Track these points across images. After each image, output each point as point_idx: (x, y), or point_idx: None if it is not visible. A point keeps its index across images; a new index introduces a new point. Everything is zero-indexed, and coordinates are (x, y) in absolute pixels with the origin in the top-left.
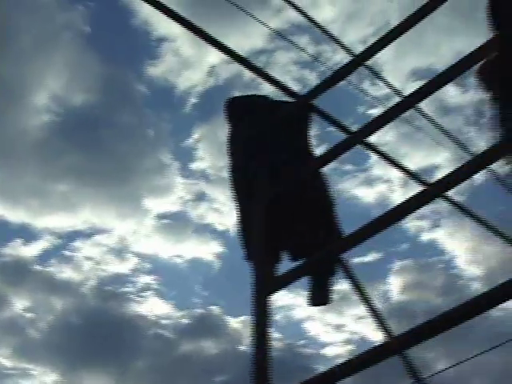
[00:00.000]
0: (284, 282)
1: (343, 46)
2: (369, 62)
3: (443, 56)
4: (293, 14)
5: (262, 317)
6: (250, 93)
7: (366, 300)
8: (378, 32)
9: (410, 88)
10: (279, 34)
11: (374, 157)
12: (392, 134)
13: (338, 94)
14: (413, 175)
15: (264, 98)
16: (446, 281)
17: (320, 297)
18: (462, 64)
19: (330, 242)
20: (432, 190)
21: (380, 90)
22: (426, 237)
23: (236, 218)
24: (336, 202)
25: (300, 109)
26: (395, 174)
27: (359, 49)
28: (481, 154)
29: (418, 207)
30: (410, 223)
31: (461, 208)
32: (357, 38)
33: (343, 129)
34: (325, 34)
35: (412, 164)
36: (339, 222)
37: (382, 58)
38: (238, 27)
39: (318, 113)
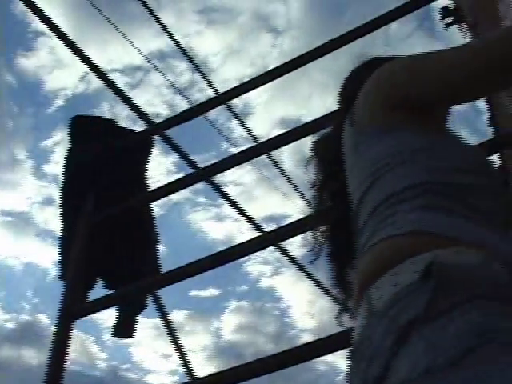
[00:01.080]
0: (91, 309)
1: (209, 82)
2: (239, 103)
3: (313, 110)
4: (177, 37)
5: (60, 341)
6: (117, 106)
7: (174, 338)
8: (255, 74)
9: (275, 133)
10: (146, 58)
11: (228, 194)
12: (253, 176)
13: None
14: (250, 220)
15: (110, 121)
16: (278, 328)
17: (124, 330)
18: (319, 122)
19: (146, 277)
20: (267, 238)
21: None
22: (266, 282)
23: (59, 234)
24: (159, 238)
25: (146, 138)
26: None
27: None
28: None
29: (248, 253)
30: (253, 266)
31: (293, 260)
32: (234, 75)
33: (190, 163)
34: (194, 67)
35: (265, 209)
36: (159, 258)
37: (256, 101)
38: (120, 39)
39: (168, 144)
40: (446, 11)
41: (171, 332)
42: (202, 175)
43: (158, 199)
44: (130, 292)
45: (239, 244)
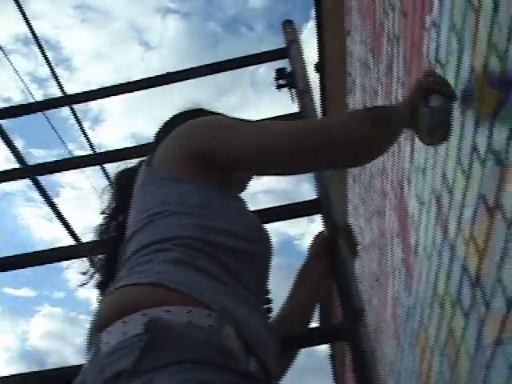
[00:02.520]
0: None
1: (57, 79)
2: (96, 108)
3: None
4: (47, 26)
5: None
6: None
7: None
8: (117, 82)
9: (122, 145)
10: None
11: (66, 194)
12: (95, 183)
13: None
14: (67, 226)
15: None
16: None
17: None
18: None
19: None
20: (76, 249)
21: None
22: (84, 293)
23: None
24: None
25: None
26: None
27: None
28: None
29: (49, 262)
30: (74, 275)
31: None
32: (95, 78)
33: (18, 158)
34: (45, 60)
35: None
36: None
37: (113, 110)
38: None
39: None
40: (280, 73)
41: None
42: (28, 172)
43: None
44: None
45: (43, 250)
